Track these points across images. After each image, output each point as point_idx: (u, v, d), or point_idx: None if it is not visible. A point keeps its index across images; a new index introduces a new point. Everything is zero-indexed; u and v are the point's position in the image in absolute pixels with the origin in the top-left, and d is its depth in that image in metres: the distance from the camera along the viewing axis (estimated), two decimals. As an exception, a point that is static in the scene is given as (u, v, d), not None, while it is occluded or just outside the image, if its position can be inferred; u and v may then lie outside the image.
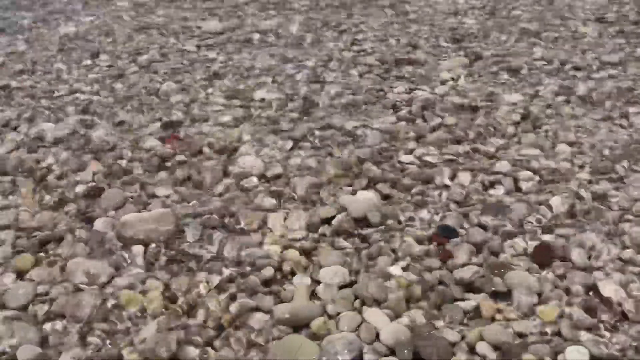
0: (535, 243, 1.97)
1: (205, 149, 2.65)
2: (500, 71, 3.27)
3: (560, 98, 2.93)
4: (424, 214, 2.16)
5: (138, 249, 2.03)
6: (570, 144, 2.54)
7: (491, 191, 2.26)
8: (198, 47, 3.89)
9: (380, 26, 4.10)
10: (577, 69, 3.25)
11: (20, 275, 1.94)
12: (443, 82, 3.17)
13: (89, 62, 3.79)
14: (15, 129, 2.94)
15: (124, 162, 2.58)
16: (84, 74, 3.58)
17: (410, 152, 2.54)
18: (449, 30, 3.95)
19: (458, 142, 2.60)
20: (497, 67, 3.32)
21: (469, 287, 1.81)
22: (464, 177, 2.34)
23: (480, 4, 4.43)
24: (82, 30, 4.36)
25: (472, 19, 4.12)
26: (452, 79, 3.20)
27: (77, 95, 3.30)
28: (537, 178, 2.31)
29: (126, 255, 2.01)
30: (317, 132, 2.75)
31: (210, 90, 3.25)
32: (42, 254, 2.03)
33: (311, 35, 3.99)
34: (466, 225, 2.08)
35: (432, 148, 2.56)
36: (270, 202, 2.28)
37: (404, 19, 4.24)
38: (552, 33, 3.76)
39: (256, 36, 4.04)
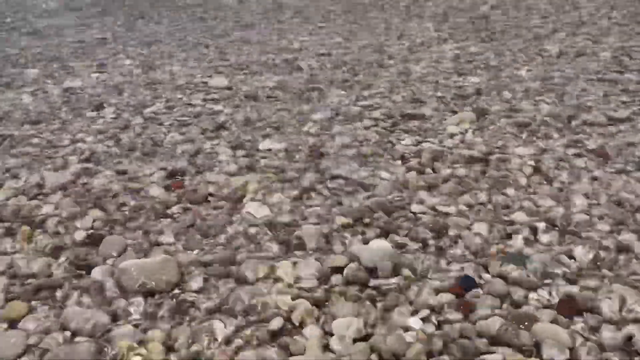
0: (560, 294, 1.87)
1: (211, 197, 2.58)
2: (508, 126, 3.24)
3: (572, 151, 2.89)
4: (441, 264, 2.06)
5: (138, 297, 1.92)
6: (587, 195, 2.47)
7: (509, 241, 2.17)
8: (204, 100, 3.89)
9: (384, 83, 4.12)
10: (585, 124, 3.23)
11: (12, 323, 1.82)
12: (451, 136, 3.14)
13: (93, 114, 3.77)
14: (15, 176, 2.87)
15: (126, 209, 2.50)
16: (88, 125, 3.55)
17: (422, 202, 2.47)
18: (454, 87, 3.97)
19: (471, 192, 2.53)
20: (505, 122, 3.30)
21: (494, 340, 1.69)
22: (480, 228, 2.25)
23: (483, 65, 4.47)
24: (87, 85, 4.38)
25: (476, 78, 4.14)
26: (460, 132, 3.17)
27: (80, 145, 3.25)
28: (556, 228, 2.23)
29: (126, 304, 1.90)
30: (325, 182, 2.68)
31: (215, 141, 3.21)
32: (36, 302, 1.92)
33: (317, 92, 4.00)
34: (486, 276, 1.98)
35: (445, 198, 2.49)
36: (278, 250, 2.19)
37: (408, 77, 4.27)
38: (557, 91, 3.77)
39: (262, 91, 4.05)
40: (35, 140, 3.34)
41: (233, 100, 3.89)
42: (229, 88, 4.16)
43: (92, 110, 3.82)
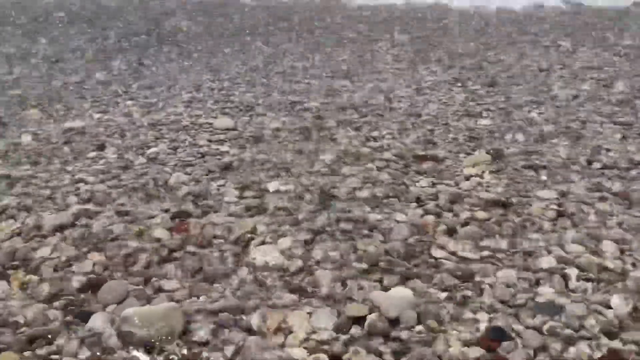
0: (600, 349, 1.71)
1: (217, 240, 2.44)
2: (525, 169, 3.14)
3: (595, 195, 2.78)
4: (468, 314, 1.91)
5: (141, 348, 1.76)
6: (616, 241, 2.34)
7: (539, 289, 2.03)
8: (209, 141, 3.79)
9: (393, 125, 4.04)
10: (605, 167, 3.12)
11: (1, 378, 1.66)
12: (467, 178, 3.03)
13: (94, 154, 3.66)
14: (12, 217, 2.74)
15: (127, 253, 2.35)
16: (89, 165, 3.44)
17: (443, 247, 2.33)
18: (466, 130, 3.88)
19: (493, 237, 2.39)
20: (522, 164, 3.19)
21: (535, 400, 1.53)
22: (507, 274, 2.11)
23: (493, 107, 4.41)
24: (89, 125, 4.28)
25: (487, 120, 4.07)
26: (477, 174, 3.06)
27: (81, 185, 3.12)
28: (588, 276, 2.09)
29: (127, 356, 1.73)
30: (338, 224, 2.55)
31: (221, 181, 3.09)
32: (29, 353, 1.75)
33: (324, 132, 3.91)
34: (518, 327, 1.83)
35: (466, 243, 2.35)
36: (290, 298, 2.04)
37: (418, 119, 4.19)
38: (572, 134, 3.69)
39: (268, 132, 3.95)
40: (34, 181, 3.21)
41: (239, 141, 3.79)
42: (235, 129, 4.06)
43: (94, 151, 3.71)
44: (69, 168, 3.41)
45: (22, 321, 1.92)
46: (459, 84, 5.25)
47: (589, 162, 3.20)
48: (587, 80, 5.23)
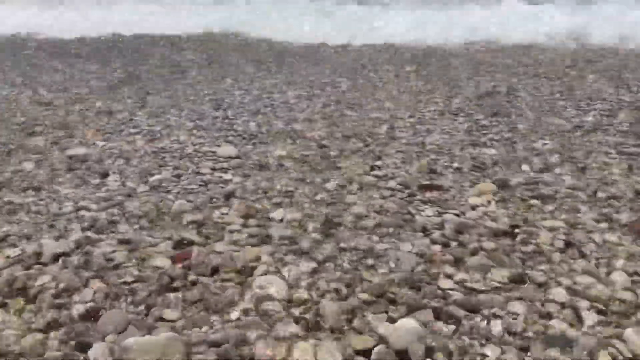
0: (616, 384, 1.66)
1: (220, 269, 2.40)
2: (531, 198, 3.10)
3: (603, 225, 2.74)
4: (477, 347, 1.86)
5: (141, 381, 1.71)
6: (627, 272, 2.29)
7: (550, 322, 1.98)
8: (213, 169, 3.77)
9: (398, 154, 4.02)
10: (612, 197, 3.09)
11: (-5, 410, 1.61)
12: (473, 207, 2.99)
13: (97, 181, 3.64)
14: (12, 245, 2.70)
15: (128, 282, 2.31)
16: (92, 193, 3.42)
17: (450, 277, 2.29)
18: (470, 159, 3.87)
19: (502, 267, 2.35)
20: (528, 194, 3.16)
21: None
22: (516, 306, 2.06)
23: (497, 137, 4.40)
24: (93, 152, 4.28)
25: (492, 150, 4.05)
26: (482, 204, 3.03)
27: (83, 212, 3.10)
28: (600, 308, 2.04)
29: (126, 389, 1.68)
30: (343, 254, 2.51)
31: (225, 209, 3.06)
32: (24, 385, 1.71)
33: (328, 161, 3.89)
34: (529, 361, 1.78)
35: (475, 274, 2.31)
36: (294, 329, 1.99)
37: (422, 148, 4.18)
38: (578, 164, 3.67)
39: (271, 160, 3.94)
40: (35, 208, 3.19)
41: (242, 169, 3.78)
42: (238, 157, 4.05)
43: (97, 178, 3.70)
44: (71, 195, 3.38)
45: (19, 351, 1.87)
46: (462, 114, 5.25)
47: (595, 192, 3.16)
48: (590, 110, 5.23)
